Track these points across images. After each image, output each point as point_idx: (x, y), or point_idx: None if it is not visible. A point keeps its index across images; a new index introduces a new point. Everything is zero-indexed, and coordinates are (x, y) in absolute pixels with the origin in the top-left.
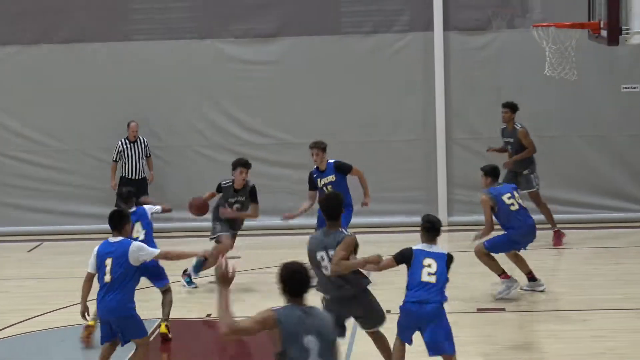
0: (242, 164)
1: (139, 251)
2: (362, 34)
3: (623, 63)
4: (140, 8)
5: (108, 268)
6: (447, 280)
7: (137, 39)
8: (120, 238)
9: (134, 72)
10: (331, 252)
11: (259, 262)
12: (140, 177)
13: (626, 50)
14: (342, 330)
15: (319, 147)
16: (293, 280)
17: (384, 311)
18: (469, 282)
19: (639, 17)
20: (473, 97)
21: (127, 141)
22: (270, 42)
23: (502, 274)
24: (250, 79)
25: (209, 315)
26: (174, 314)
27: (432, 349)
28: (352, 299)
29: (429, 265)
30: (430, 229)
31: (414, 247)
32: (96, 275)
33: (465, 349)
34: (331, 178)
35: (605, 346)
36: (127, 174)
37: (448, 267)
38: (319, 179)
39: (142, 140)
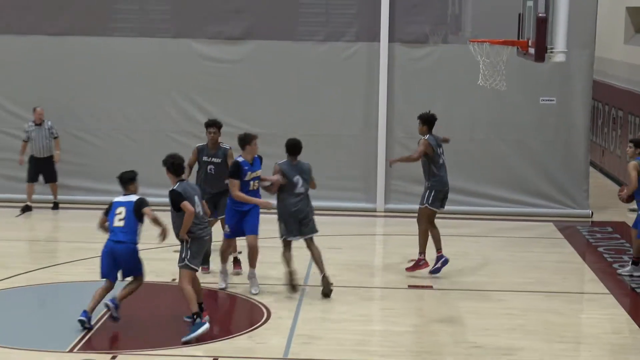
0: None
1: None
2: (315, 41)
3: (543, 78)
4: (122, 8)
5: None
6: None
7: (118, 35)
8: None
9: (115, 65)
10: None
11: None
12: (45, 156)
13: (546, 66)
14: None
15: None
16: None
17: None
18: (402, 264)
19: (563, 37)
20: (411, 102)
21: (33, 124)
22: (237, 44)
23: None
24: (218, 75)
25: (174, 280)
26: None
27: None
28: None
29: (120, 213)
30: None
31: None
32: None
33: (397, 320)
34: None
35: (516, 323)
36: (35, 153)
37: (136, 212)
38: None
39: (46, 123)
